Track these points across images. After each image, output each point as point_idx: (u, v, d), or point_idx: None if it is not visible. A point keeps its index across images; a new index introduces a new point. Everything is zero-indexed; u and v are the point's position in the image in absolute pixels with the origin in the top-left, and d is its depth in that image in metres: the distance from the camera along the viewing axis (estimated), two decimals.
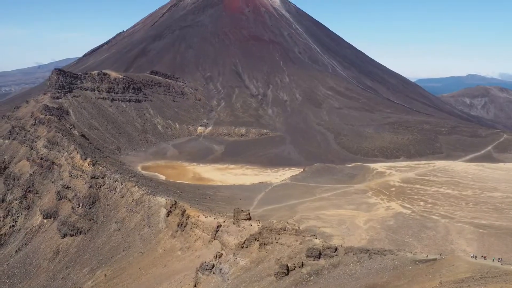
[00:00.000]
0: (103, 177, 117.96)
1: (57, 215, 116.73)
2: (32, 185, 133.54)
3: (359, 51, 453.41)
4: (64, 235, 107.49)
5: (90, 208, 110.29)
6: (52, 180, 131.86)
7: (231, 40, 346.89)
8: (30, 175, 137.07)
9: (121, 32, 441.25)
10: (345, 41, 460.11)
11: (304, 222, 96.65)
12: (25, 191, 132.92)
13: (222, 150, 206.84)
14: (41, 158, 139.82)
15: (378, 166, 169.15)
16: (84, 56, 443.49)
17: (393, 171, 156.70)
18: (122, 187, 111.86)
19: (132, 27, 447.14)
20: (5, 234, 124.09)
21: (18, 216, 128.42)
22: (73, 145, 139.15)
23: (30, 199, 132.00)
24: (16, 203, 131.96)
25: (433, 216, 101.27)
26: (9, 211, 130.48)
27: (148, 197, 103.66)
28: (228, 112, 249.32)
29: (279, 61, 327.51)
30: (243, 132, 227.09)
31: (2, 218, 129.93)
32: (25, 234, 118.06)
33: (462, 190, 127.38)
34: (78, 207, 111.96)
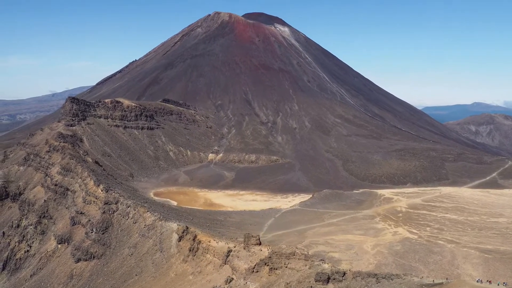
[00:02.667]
0: (116, 203, 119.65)
1: (71, 240, 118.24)
2: (47, 210, 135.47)
3: (367, 79, 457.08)
4: (78, 260, 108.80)
5: (103, 233, 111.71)
6: (66, 206, 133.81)
7: (241, 69, 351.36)
8: (45, 201, 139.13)
9: (133, 61, 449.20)
10: (353, 69, 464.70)
11: (313, 247, 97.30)
12: (40, 217, 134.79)
13: (232, 176, 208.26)
14: (56, 185, 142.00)
15: (386, 192, 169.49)
16: (97, 84, 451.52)
17: (400, 197, 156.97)
18: (135, 213, 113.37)
19: (145, 56, 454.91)
20: (20, 259, 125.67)
21: (33, 241, 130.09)
22: (86, 172, 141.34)
23: (45, 224, 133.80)
24: (31, 228, 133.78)
25: (440, 241, 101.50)
26: (24, 236, 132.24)
27: (160, 222, 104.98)
28: (238, 139, 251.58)
29: (289, 89, 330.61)
30: (253, 159, 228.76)
31: (17, 243, 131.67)
32: (40, 259, 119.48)
33: (467, 216, 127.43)
34: (91, 232, 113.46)
